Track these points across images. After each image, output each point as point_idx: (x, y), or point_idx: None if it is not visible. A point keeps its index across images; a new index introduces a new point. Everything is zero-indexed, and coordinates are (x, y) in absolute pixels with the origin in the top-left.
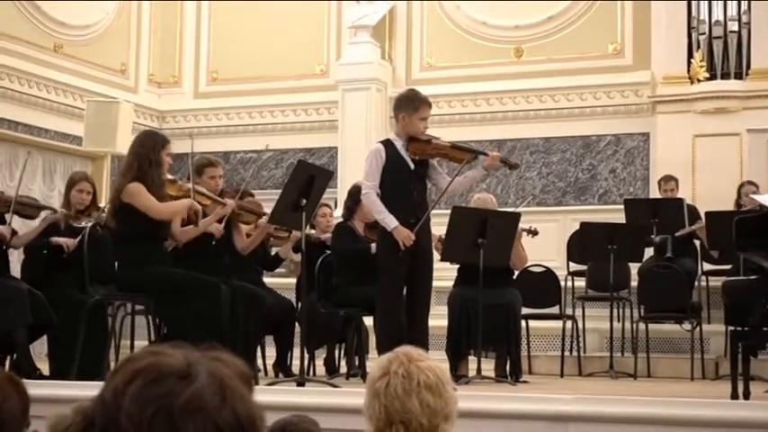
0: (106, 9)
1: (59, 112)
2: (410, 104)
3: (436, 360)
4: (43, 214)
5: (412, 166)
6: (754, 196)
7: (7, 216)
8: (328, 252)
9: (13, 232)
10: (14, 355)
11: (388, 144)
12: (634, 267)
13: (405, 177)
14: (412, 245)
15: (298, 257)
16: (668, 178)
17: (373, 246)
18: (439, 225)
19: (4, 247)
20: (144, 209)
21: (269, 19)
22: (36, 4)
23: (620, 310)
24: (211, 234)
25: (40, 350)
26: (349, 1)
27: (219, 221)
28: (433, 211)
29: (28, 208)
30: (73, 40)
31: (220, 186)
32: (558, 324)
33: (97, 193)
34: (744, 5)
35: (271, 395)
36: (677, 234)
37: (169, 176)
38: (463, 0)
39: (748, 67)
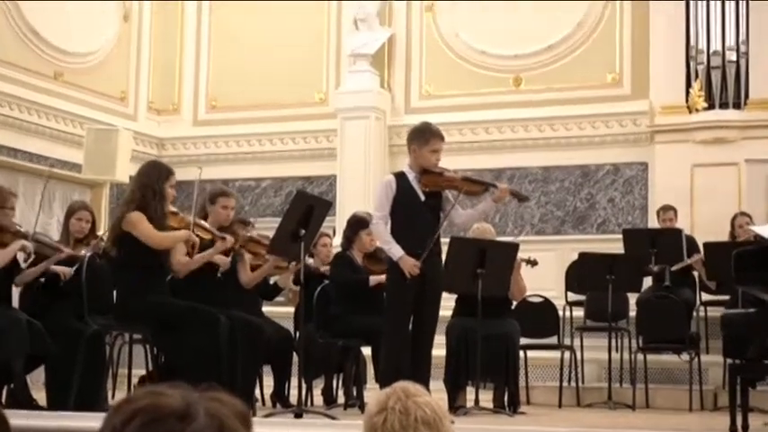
0: (106, 36)
1: (59, 140)
2: (422, 137)
3: (434, 391)
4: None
5: (423, 197)
6: (752, 227)
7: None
8: (326, 282)
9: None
10: (11, 385)
11: (400, 176)
12: (632, 297)
13: (415, 209)
14: (420, 275)
15: (297, 287)
16: (667, 208)
17: (372, 277)
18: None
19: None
20: (144, 238)
21: (268, 47)
22: (36, 31)
23: (619, 341)
24: (217, 266)
25: (37, 379)
26: (348, 29)
27: (227, 254)
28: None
29: (45, 247)
30: (73, 67)
31: (231, 217)
32: (556, 354)
33: (96, 223)
34: (742, 35)
35: (268, 427)
36: (673, 268)
37: (171, 208)
38: (462, 29)
39: (746, 96)
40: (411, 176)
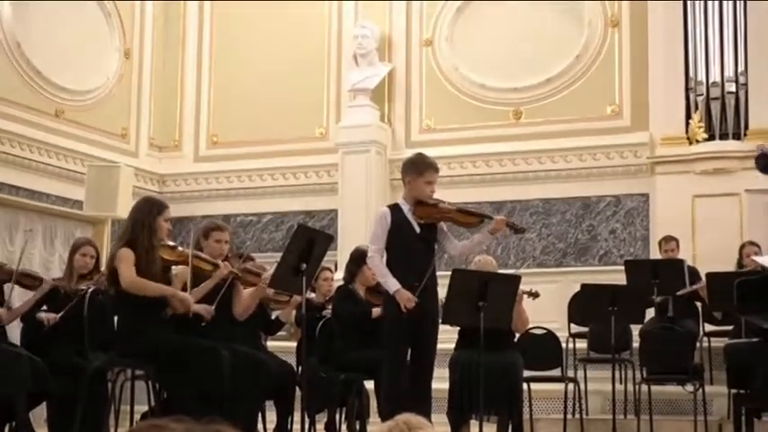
0: (107, 74)
1: (60, 177)
2: (416, 169)
3: (437, 424)
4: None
5: (418, 230)
6: (756, 258)
7: (6, 287)
8: (328, 316)
9: (8, 308)
10: (13, 423)
11: (395, 208)
12: (635, 329)
13: (410, 241)
14: (416, 308)
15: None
16: (669, 239)
17: (374, 310)
18: (439, 287)
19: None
20: (119, 276)
21: (269, 83)
22: (37, 69)
23: (623, 372)
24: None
25: (39, 415)
26: (348, 64)
27: (211, 302)
28: (438, 273)
29: (29, 279)
30: (74, 105)
31: (225, 252)
32: (559, 386)
33: (100, 258)
34: (741, 66)
35: None
36: (678, 293)
37: (170, 243)
38: (461, 62)
39: (746, 127)
40: (406, 208)
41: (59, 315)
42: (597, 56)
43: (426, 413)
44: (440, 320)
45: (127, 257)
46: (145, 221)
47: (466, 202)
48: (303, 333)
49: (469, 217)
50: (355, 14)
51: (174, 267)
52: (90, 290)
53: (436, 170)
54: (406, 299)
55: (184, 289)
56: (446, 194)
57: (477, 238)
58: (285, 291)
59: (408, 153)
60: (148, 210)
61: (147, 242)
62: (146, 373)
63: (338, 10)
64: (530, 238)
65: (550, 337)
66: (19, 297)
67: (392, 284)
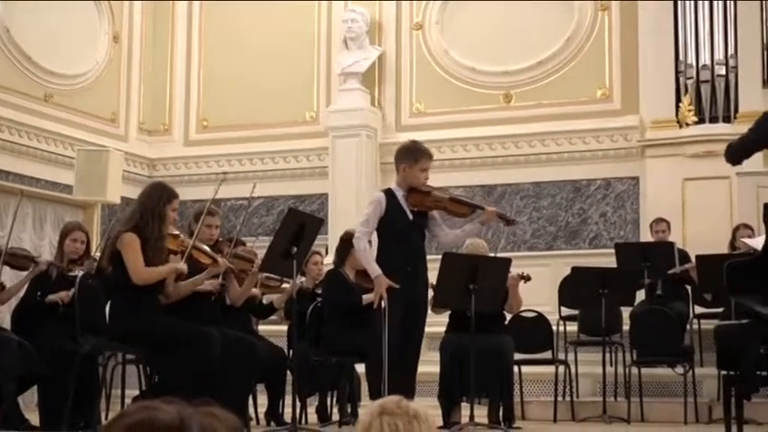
0: (96, 59)
1: (50, 161)
2: (411, 156)
3: (428, 407)
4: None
5: (411, 216)
6: (746, 240)
7: None
8: (319, 300)
9: (1, 287)
10: (2, 406)
11: (389, 193)
12: (626, 311)
13: (403, 227)
14: (408, 293)
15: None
16: (660, 220)
17: (364, 296)
18: (430, 271)
19: None
20: (128, 266)
21: (259, 66)
22: (26, 53)
23: (613, 355)
24: (209, 292)
25: (30, 400)
26: (338, 48)
27: (215, 276)
28: (427, 258)
29: (19, 259)
30: (63, 89)
31: (215, 236)
32: (550, 369)
33: (90, 243)
34: (731, 49)
35: None
36: (669, 272)
37: (173, 231)
38: (451, 46)
39: (736, 110)
40: (399, 195)
41: (71, 292)
42: (587, 39)
43: (410, 396)
44: (429, 307)
45: (133, 244)
46: (155, 209)
47: (456, 186)
48: (294, 317)
49: (462, 207)
50: None
51: (171, 256)
52: (81, 273)
53: (431, 157)
54: (382, 288)
55: (178, 279)
56: (436, 179)
57: (468, 228)
58: (276, 275)
59: (399, 137)
60: (158, 197)
61: (157, 231)
62: (137, 357)
63: None
64: (520, 221)
65: (541, 320)
66: (10, 279)
67: (374, 269)
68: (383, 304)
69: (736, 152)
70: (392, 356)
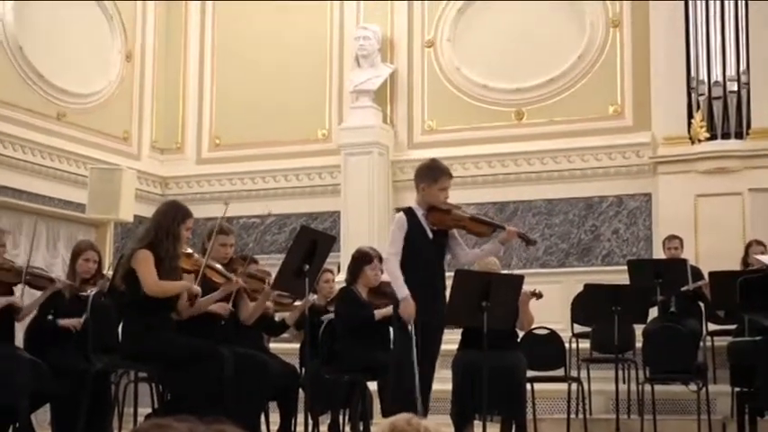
0: (109, 77)
1: (63, 180)
2: (430, 175)
3: (441, 425)
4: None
5: (431, 235)
6: (760, 257)
7: (17, 288)
8: (331, 317)
9: (18, 308)
10: (16, 424)
11: (409, 212)
12: (639, 328)
13: (423, 246)
14: (426, 311)
15: (299, 331)
16: (672, 237)
17: (377, 311)
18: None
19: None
20: (141, 279)
21: (271, 84)
22: (39, 72)
23: (626, 372)
24: (219, 315)
25: (43, 418)
26: (350, 66)
27: (226, 298)
28: None
29: (40, 279)
30: (76, 107)
31: (230, 255)
32: (563, 386)
33: (102, 262)
34: (743, 66)
35: None
36: (682, 289)
37: (187, 250)
38: (463, 63)
39: (748, 126)
40: (419, 213)
41: (83, 318)
42: (599, 56)
43: (423, 414)
44: (443, 325)
45: (147, 260)
46: (170, 228)
47: (469, 204)
48: (306, 335)
49: (482, 226)
50: (357, 16)
51: (185, 275)
52: (93, 293)
53: (450, 176)
54: (410, 311)
55: (191, 300)
56: (449, 196)
57: (487, 247)
58: (288, 292)
59: (411, 154)
60: (173, 216)
61: (172, 250)
62: (149, 375)
63: (340, 11)
64: (533, 238)
65: (554, 337)
66: (29, 298)
67: (401, 291)
68: (410, 328)
69: None
70: (407, 374)
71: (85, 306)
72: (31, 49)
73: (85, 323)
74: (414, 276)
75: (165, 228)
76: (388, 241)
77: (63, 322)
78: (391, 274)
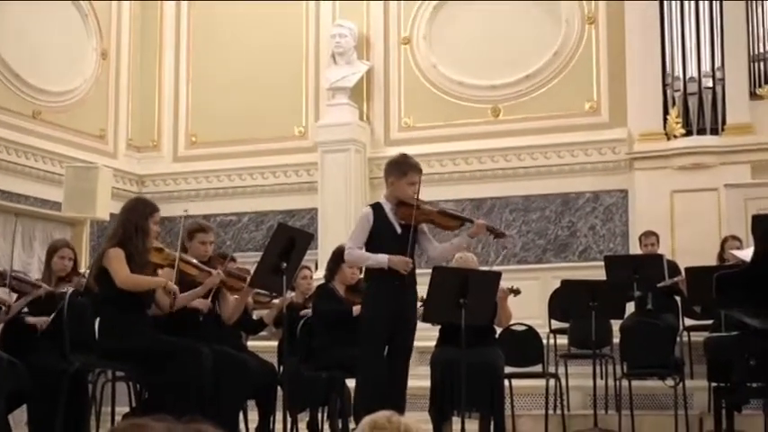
0: (84, 75)
1: (38, 179)
2: (399, 169)
3: (419, 422)
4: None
5: (399, 230)
6: (735, 252)
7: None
8: (309, 315)
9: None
10: None
11: (377, 207)
12: (616, 324)
13: (391, 241)
14: (396, 307)
15: (277, 329)
16: (649, 233)
17: (355, 308)
18: (420, 285)
19: None
20: (112, 273)
21: (247, 82)
22: (14, 70)
23: (603, 368)
24: (199, 310)
25: (20, 418)
26: (326, 63)
27: (206, 295)
28: (417, 272)
29: (23, 284)
30: (51, 106)
31: (209, 252)
32: (541, 382)
33: (78, 260)
34: (717, 62)
35: None
36: (659, 285)
37: (157, 244)
38: (439, 60)
39: (724, 122)
40: (387, 208)
41: (51, 318)
42: (575, 53)
43: (400, 410)
44: (417, 320)
45: (119, 256)
46: (137, 223)
47: (446, 200)
48: (284, 332)
49: (450, 220)
50: (333, 13)
51: (159, 270)
52: (69, 291)
53: (420, 171)
54: (404, 262)
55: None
56: (426, 192)
57: (456, 241)
58: (266, 290)
59: (388, 151)
60: (140, 211)
61: (140, 245)
62: (126, 375)
63: (316, 9)
64: (510, 234)
65: (531, 333)
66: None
67: (381, 259)
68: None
69: None
70: (380, 372)
71: (59, 304)
72: (5, 48)
73: (53, 321)
74: (383, 271)
75: (134, 223)
76: (349, 235)
77: (30, 320)
78: (357, 258)
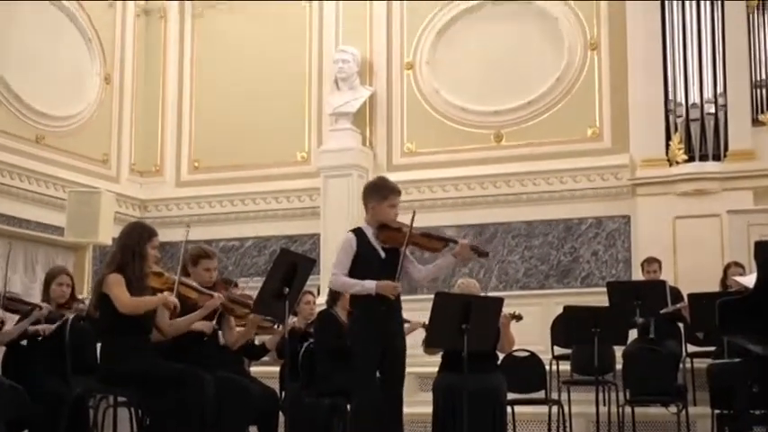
0: (88, 99)
1: (41, 203)
2: (379, 193)
3: None
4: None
5: (383, 254)
6: (738, 278)
7: None
8: (311, 341)
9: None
10: None
11: (359, 232)
12: (618, 350)
13: (375, 266)
14: (384, 332)
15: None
16: (651, 260)
17: None
18: (423, 311)
19: None
20: (114, 301)
21: (250, 107)
22: (18, 95)
23: (606, 394)
24: (203, 333)
25: None
26: (329, 88)
27: (210, 317)
28: (417, 297)
29: (17, 303)
30: (55, 130)
31: (214, 278)
32: (543, 409)
33: (76, 286)
34: (720, 88)
35: None
36: (662, 311)
37: (156, 269)
38: (442, 86)
39: (726, 148)
40: (369, 233)
41: (55, 326)
42: (577, 79)
43: None
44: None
45: (119, 282)
46: (135, 248)
47: (448, 226)
48: (287, 358)
49: (434, 241)
50: (336, 38)
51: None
52: (72, 316)
53: (399, 193)
54: (392, 288)
55: (172, 316)
56: (428, 218)
57: (441, 262)
58: (268, 315)
59: (390, 177)
60: (138, 236)
61: (138, 270)
62: (128, 400)
63: (319, 34)
64: (512, 260)
65: (534, 359)
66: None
67: (369, 285)
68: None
69: None
70: (375, 396)
71: (63, 328)
72: (9, 72)
73: (63, 338)
74: (370, 296)
75: (131, 248)
76: (333, 262)
77: (33, 327)
78: (344, 284)
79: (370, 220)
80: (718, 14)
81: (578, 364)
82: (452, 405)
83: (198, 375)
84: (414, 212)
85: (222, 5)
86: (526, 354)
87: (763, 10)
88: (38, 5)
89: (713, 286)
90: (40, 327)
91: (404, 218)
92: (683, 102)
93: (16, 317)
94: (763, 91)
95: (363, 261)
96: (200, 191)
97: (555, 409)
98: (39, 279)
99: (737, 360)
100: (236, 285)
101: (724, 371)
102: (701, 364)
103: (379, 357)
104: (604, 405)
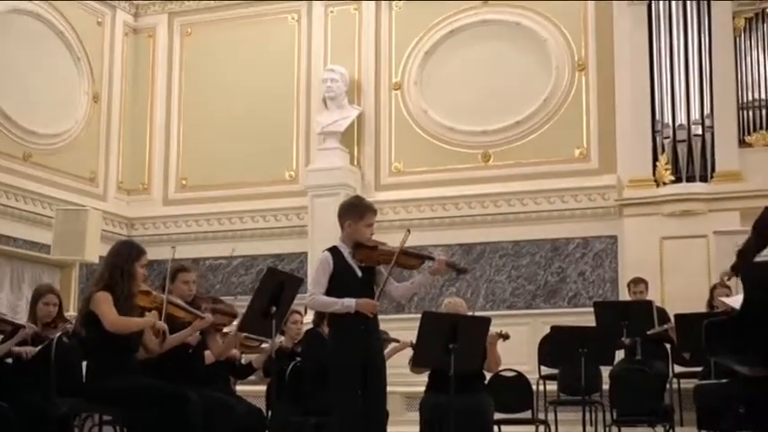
0: (75, 118)
1: (28, 221)
2: (356, 212)
3: None
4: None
5: (359, 273)
6: (725, 299)
7: None
8: (298, 359)
9: None
10: None
11: (334, 251)
12: (605, 370)
13: (352, 284)
14: (363, 352)
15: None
16: (638, 281)
17: None
18: (409, 330)
19: None
20: (101, 317)
21: (238, 126)
22: (5, 112)
23: (593, 414)
24: (188, 344)
25: None
26: (317, 108)
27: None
28: (404, 316)
29: (2, 323)
30: (42, 148)
31: (193, 292)
32: (530, 429)
33: (63, 305)
34: (707, 109)
35: None
36: (649, 333)
37: (144, 287)
38: (430, 106)
39: (713, 169)
40: (345, 252)
41: (37, 349)
42: (565, 99)
43: None
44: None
45: (107, 300)
46: (124, 267)
47: (435, 245)
48: (273, 377)
49: (411, 259)
50: (324, 58)
51: (147, 313)
52: (58, 335)
53: (375, 212)
54: (371, 306)
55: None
56: (416, 237)
57: (418, 279)
58: (255, 334)
59: (378, 196)
60: (127, 254)
61: (127, 289)
62: (113, 418)
63: (307, 53)
64: (499, 280)
65: (521, 379)
66: None
67: (349, 303)
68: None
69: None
70: (357, 413)
71: (48, 347)
72: None
73: (40, 364)
74: (349, 314)
75: (120, 267)
76: (310, 282)
77: (17, 349)
78: (323, 303)
79: (346, 238)
80: (705, 36)
81: (565, 384)
82: (439, 425)
83: (184, 394)
84: (408, 231)
85: (211, 25)
86: (513, 374)
87: (750, 32)
88: (26, 23)
89: (700, 306)
90: (22, 349)
91: (398, 237)
92: (671, 123)
93: (0, 336)
94: (750, 112)
95: (340, 280)
96: (187, 209)
97: (542, 429)
98: (25, 296)
99: (724, 381)
100: (220, 302)
101: (711, 391)
102: (688, 384)
103: (361, 374)
104: (591, 425)
